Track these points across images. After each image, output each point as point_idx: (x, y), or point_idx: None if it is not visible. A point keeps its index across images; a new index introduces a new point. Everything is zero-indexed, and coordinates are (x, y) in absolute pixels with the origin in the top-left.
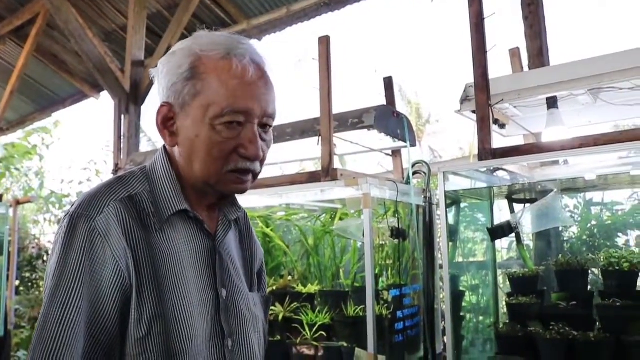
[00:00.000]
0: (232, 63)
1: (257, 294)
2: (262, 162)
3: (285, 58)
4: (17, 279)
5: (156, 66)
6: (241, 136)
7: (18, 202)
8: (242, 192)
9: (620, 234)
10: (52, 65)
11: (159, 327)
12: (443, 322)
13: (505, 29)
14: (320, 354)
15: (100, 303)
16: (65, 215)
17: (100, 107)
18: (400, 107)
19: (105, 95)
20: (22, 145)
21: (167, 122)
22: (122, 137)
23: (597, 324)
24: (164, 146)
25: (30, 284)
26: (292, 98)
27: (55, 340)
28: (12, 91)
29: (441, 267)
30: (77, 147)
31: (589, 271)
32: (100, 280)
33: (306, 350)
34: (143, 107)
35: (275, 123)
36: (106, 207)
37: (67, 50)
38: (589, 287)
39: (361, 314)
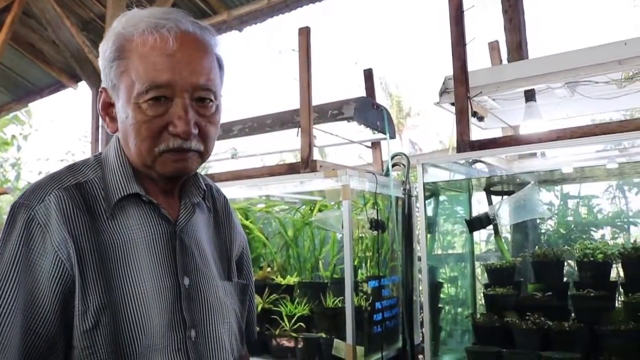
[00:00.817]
0: (153, 36)
1: (232, 282)
2: (205, 139)
3: (267, 49)
4: None
5: None
6: (169, 112)
7: None
8: (185, 172)
9: (595, 227)
10: (28, 54)
11: (106, 318)
12: (421, 314)
13: (485, 22)
14: (299, 345)
15: (38, 294)
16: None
17: (78, 97)
18: (382, 99)
19: (83, 85)
20: None
21: (107, 107)
22: (99, 128)
23: (572, 314)
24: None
25: None
26: (273, 89)
27: None
28: None
29: (420, 259)
30: (54, 138)
31: (565, 262)
32: (38, 272)
33: (285, 342)
34: None
35: (256, 114)
36: (47, 195)
37: (44, 39)
38: (565, 278)
39: (340, 305)
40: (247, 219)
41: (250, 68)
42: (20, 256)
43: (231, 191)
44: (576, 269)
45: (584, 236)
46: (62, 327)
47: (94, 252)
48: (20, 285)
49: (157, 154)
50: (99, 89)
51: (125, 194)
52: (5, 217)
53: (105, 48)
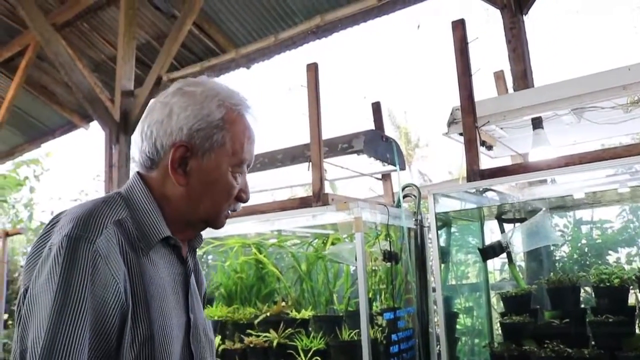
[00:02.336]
0: (248, 120)
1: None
2: None
3: (275, 86)
4: (5, 312)
5: (153, 96)
6: (241, 183)
7: (7, 234)
8: (223, 226)
9: (610, 251)
10: (41, 96)
11: (147, 350)
12: (438, 345)
13: (489, 52)
14: None
15: (102, 325)
16: (58, 235)
17: (90, 137)
18: (390, 131)
19: (95, 125)
20: (12, 177)
21: (181, 162)
22: (112, 167)
23: (591, 340)
24: (139, 173)
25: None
26: (283, 125)
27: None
28: (1, 123)
29: (434, 289)
30: (67, 178)
31: (581, 288)
32: (101, 303)
33: None
34: (133, 137)
35: (266, 149)
36: (105, 228)
37: (57, 81)
38: (582, 304)
39: (356, 338)
40: (260, 253)
41: (260, 104)
42: (87, 288)
43: (243, 227)
44: (593, 294)
45: (599, 261)
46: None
47: (141, 285)
48: (89, 316)
49: (225, 213)
50: (178, 144)
51: (163, 236)
52: (51, 249)
53: (209, 112)
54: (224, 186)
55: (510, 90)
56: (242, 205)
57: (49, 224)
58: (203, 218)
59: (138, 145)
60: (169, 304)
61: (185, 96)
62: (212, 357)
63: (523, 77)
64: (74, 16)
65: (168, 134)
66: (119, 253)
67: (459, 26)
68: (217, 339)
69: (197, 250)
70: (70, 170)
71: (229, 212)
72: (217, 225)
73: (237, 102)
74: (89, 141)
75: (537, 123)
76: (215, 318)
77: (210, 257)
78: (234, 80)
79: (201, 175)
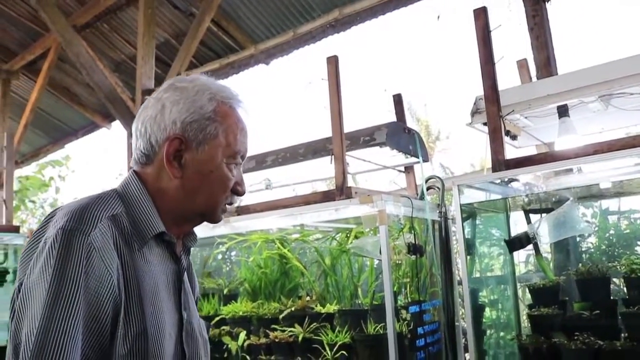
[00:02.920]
0: (240, 113)
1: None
2: None
3: (294, 81)
4: None
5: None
6: (237, 176)
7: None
8: (221, 220)
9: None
10: (64, 97)
11: (140, 344)
12: (464, 338)
13: (512, 40)
14: None
15: (95, 318)
16: (53, 229)
17: (112, 136)
18: (410, 125)
19: (116, 124)
20: (36, 177)
21: (175, 154)
22: None
23: (623, 332)
24: (135, 171)
25: None
26: (304, 119)
27: (61, 353)
28: (25, 125)
29: (460, 282)
30: (90, 177)
31: (611, 280)
32: (95, 296)
33: None
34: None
35: (288, 144)
36: (99, 221)
37: (78, 82)
38: (611, 296)
39: (381, 331)
40: (284, 248)
41: (280, 100)
42: (81, 281)
43: (265, 222)
44: (623, 285)
45: (628, 252)
46: (108, 352)
47: (134, 279)
48: (82, 310)
49: (221, 206)
50: (173, 136)
51: (158, 231)
52: (46, 243)
53: (200, 105)
54: (219, 177)
55: (534, 79)
56: (240, 198)
57: (45, 219)
58: (200, 211)
59: (134, 143)
60: (161, 300)
61: (177, 91)
62: (207, 357)
63: (546, 66)
64: (94, 17)
65: (162, 129)
66: (113, 247)
67: (481, 14)
68: (243, 334)
69: (192, 249)
70: (94, 169)
71: (226, 206)
72: (215, 218)
73: (229, 95)
74: (111, 140)
75: (563, 111)
76: (240, 314)
77: (233, 253)
78: (254, 77)
79: (196, 167)
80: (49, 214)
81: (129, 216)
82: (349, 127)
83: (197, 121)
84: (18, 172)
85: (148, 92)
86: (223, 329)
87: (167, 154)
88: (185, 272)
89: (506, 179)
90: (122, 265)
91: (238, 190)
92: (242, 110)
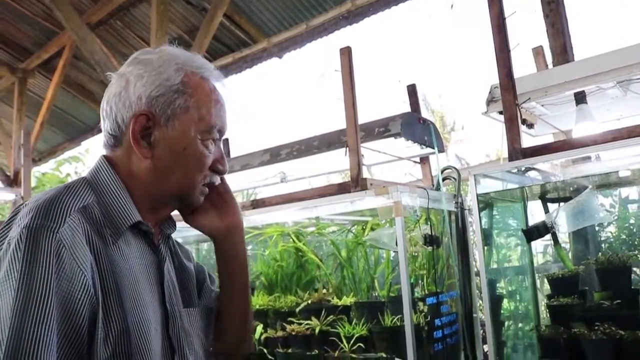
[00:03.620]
0: (213, 85)
1: (196, 308)
2: None
3: (307, 74)
4: None
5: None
6: (215, 153)
7: None
8: (200, 203)
9: None
10: (79, 95)
11: (123, 345)
12: (482, 330)
13: (527, 27)
14: None
15: (70, 322)
16: (17, 227)
17: None
18: (425, 116)
19: None
20: (53, 175)
21: (143, 132)
22: None
23: None
24: (105, 156)
25: None
26: (317, 112)
27: None
28: (42, 122)
29: (477, 274)
30: None
31: (631, 269)
32: (68, 298)
33: None
34: None
35: (302, 137)
36: (68, 216)
37: (93, 79)
38: (632, 286)
39: (398, 323)
40: (299, 241)
41: (294, 93)
42: (51, 282)
43: (281, 215)
44: None
45: None
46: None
47: (111, 276)
48: (55, 312)
49: (200, 186)
50: (139, 113)
51: (134, 221)
52: (10, 244)
53: (167, 77)
54: (193, 155)
55: (550, 66)
56: (222, 175)
57: (9, 217)
58: (176, 193)
59: (102, 125)
60: (143, 295)
61: (141, 64)
62: (194, 352)
63: (563, 53)
64: (107, 15)
65: (127, 106)
66: (85, 243)
67: (495, 1)
68: (259, 328)
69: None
70: None
71: (206, 186)
72: (192, 200)
73: (199, 65)
74: None
75: (580, 98)
76: (257, 307)
77: (249, 247)
78: (267, 70)
79: (167, 145)
80: (13, 210)
81: (101, 206)
82: (363, 118)
83: (163, 95)
84: (35, 170)
85: None
86: None
87: (133, 133)
88: (170, 262)
89: (523, 168)
90: (96, 262)
91: (218, 169)
92: (216, 81)
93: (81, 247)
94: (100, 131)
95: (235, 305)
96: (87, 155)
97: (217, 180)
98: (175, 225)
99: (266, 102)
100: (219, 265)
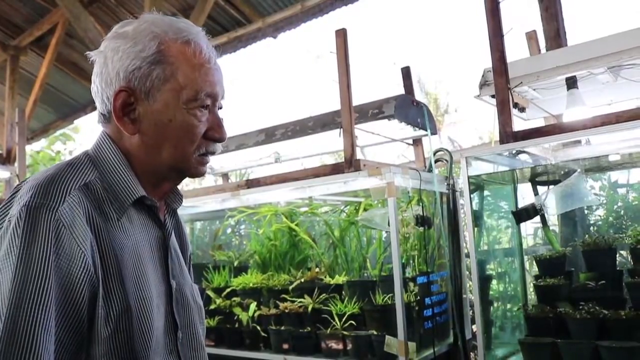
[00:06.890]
0: (197, 48)
1: (195, 285)
2: None
3: (302, 54)
4: None
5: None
6: (209, 120)
7: None
8: (203, 174)
9: None
10: (72, 73)
11: (124, 324)
12: (471, 310)
13: (521, 12)
14: (350, 343)
15: (70, 301)
16: (17, 206)
17: None
18: (419, 98)
19: None
20: (45, 153)
21: (126, 108)
22: None
23: (628, 302)
24: (105, 132)
25: None
26: (312, 93)
27: (32, 342)
28: (35, 101)
29: (467, 254)
30: None
31: (617, 251)
32: (68, 277)
33: (336, 341)
34: None
35: (297, 117)
36: (67, 195)
37: (86, 57)
38: (618, 267)
39: (390, 302)
40: (292, 222)
41: (288, 73)
42: (50, 261)
43: (273, 195)
44: (629, 256)
45: (636, 224)
46: (86, 336)
47: (112, 254)
48: (53, 291)
49: (195, 157)
50: (118, 89)
51: (137, 196)
52: (10, 222)
53: (142, 48)
54: (181, 125)
55: (543, 51)
56: (217, 146)
57: (11, 193)
58: (170, 165)
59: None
60: (146, 272)
61: (117, 38)
62: (202, 324)
63: (556, 37)
64: None
65: (108, 83)
66: (85, 221)
67: None
68: (253, 305)
69: (178, 210)
70: None
71: (204, 156)
72: (191, 171)
73: (178, 30)
74: None
75: (571, 83)
76: (251, 285)
77: (243, 226)
78: (262, 50)
79: (152, 119)
80: (14, 188)
81: (104, 182)
82: (357, 100)
83: (140, 67)
84: (28, 148)
85: None
86: (234, 300)
87: (115, 110)
88: (174, 235)
89: (514, 151)
90: (96, 241)
91: (214, 136)
92: (199, 44)
93: (81, 225)
94: (93, 110)
95: None
96: (77, 133)
97: (216, 148)
98: (182, 199)
99: (261, 83)
100: None
